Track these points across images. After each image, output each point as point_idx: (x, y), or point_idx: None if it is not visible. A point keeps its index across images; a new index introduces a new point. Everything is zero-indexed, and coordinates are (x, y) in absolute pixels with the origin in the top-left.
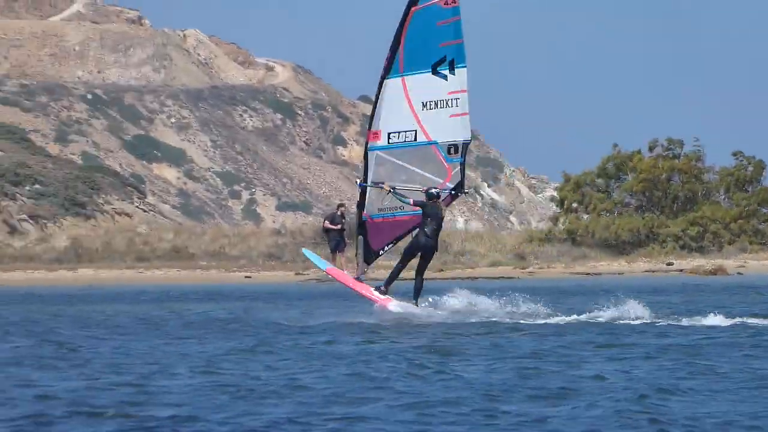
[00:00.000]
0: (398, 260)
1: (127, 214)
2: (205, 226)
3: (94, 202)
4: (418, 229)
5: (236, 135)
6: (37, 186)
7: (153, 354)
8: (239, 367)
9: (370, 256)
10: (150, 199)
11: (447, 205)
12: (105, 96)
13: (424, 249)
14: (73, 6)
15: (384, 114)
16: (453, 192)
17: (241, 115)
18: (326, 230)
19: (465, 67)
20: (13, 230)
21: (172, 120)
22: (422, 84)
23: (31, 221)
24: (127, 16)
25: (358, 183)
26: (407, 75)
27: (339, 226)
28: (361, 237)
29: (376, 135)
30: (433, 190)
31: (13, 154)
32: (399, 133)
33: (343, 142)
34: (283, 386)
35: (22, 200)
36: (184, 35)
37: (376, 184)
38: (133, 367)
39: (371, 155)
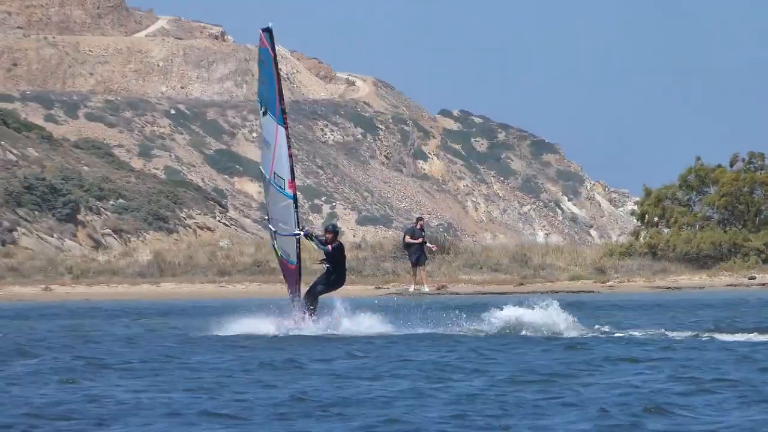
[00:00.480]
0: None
1: (209, 228)
2: None
3: (176, 217)
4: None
5: (317, 149)
6: (120, 200)
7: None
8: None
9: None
10: (232, 213)
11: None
12: (188, 111)
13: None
14: (158, 22)
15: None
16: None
17: (322, 130)
18: (407, 245)
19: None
20: (97, 245)
21: (254, 134)
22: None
23: (114, 235)
24: (210, 31)
25: (303, 232)
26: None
27: (419, 240)
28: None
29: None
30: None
31: (98, 169)
32: (278, 177)
33: (423, 156)
34: None
35: (106, 215)
36: None
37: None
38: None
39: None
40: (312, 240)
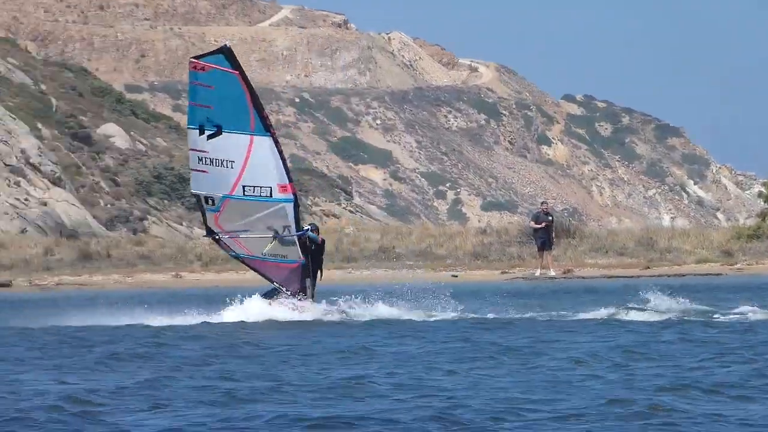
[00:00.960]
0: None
1: (334, 215)
2: (411, 226)
3: (302, 204)
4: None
5: (441, 136)
6: None
7: None
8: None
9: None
10: (357, 200)
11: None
12: (312, 99)
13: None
14: (281, 12)
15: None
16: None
17: (445, 116)
18: (535, 230)
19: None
20: None
21: (378, 122)
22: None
23: None
24: (333, 20)
25: (305, 229)
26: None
27: (543, 225)
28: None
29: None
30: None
31: None
32: (255, 187)
33: (547, 141)
34: None
35: None
36: (389, 38)
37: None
38: None
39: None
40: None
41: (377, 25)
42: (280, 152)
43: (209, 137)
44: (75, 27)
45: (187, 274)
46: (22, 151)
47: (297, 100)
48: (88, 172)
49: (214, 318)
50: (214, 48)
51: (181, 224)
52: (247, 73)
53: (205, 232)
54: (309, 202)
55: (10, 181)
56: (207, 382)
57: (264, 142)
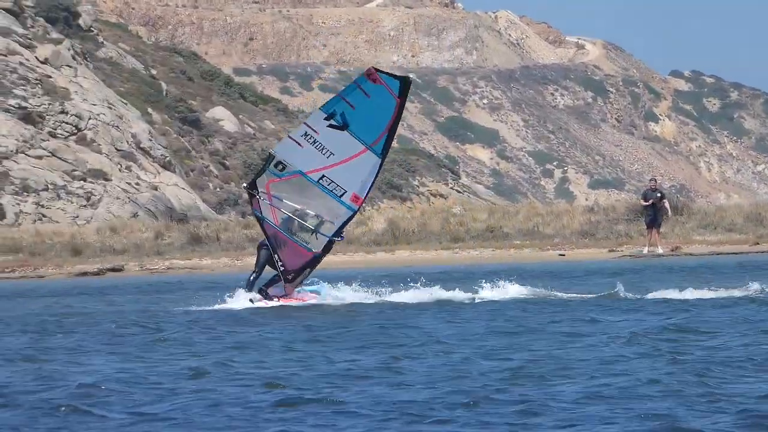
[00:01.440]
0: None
1: (441, 195)
2: (518, 205)
3: (410, 185)
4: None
5: (548, 114)
6: None
7: None
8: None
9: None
10: (464, 179)
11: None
12: (419, 79)
13: None
14: None
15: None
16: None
17: (552, 94)
18: (644, 207)
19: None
20: None
21: (485, 101)
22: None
23: None
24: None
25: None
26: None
27: (651, 202)
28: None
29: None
30: None
31: None
32: (333, 183)
33: (654, 118)
34: None
35: None
36: (496, 16)
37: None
38: None
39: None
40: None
41: (484, 4)
42: (377, 175)
43: (330, 126)
44: (185, 11)
45: None
46: (133, 136)
47: None
48: (197, 155)
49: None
50: (324, 29)
51: None
52: (354, 55)
53: (247, 184)
54: (416, 183)
55: (121, 165)
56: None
57: (371, 159)
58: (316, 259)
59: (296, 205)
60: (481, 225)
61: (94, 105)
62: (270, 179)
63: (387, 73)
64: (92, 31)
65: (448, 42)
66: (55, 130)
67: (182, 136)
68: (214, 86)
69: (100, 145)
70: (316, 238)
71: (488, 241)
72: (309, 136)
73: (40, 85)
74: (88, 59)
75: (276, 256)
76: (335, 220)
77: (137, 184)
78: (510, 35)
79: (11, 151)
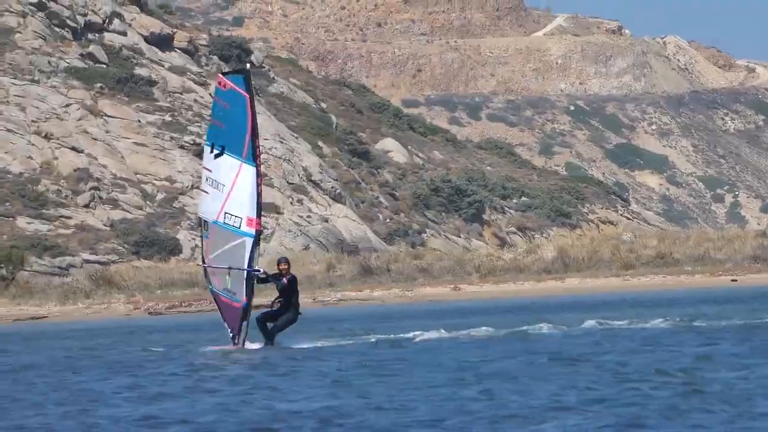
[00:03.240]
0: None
1: (611, 222)
2: (689, 230)
3: (579, 212)
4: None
5: (718, 138)
6: (524, 198)
7: None
8: None
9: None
10: (633, 206)
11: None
12: (587, 107)
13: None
14: (555, 20)
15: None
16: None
17: (722, 119)
18: None
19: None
20: (502, 243)
21: (653, 127)
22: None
23: (519, 233)
24: (607, 26)
25: (260, 273)
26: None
27: None
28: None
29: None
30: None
31: (501, 169)
32: (233, 216)
33: None
34: None
35: (510, 213)
36: (664, 42)
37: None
38: None
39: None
40: (267, 282)
41: (652, 30)
42: (259, 185)
43: (215, 156)
44: (354, 45)
45: (465, 286)
46: (304, 169)
47: (572, 107)
48: (367, 187)
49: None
50: (492, 59)
51: (459, 236)
52: (522, 84)
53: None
54: (585, 210)
55: (293, 198)
56: None
57: (248, 171)
58: (246, 310)
59: (219, 258)
60: (652, 251)
61: (266, 139)
62: (206, 245)
63: (231, 72)
64: (264, 67)
65: (616, 69)
66: None
67: (352, 168)
68: (383, 118)
69: (272, 179)
70: (237, 285)
71: (659, 268)
72: (209, 179)
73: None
74: (260, 95)
75: (225, 324)
76: (244, 256)
77: (308, 216)
78: (679, 60)
79: (186, 186)
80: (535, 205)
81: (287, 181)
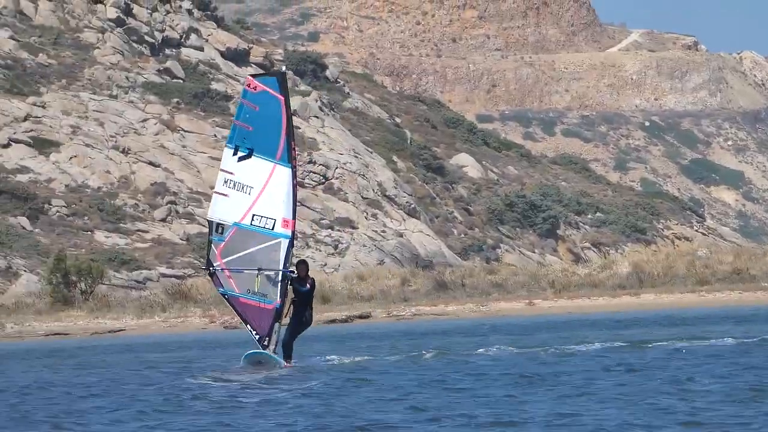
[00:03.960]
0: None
1: (686, 238)
2: (765, 246)
3: (653, 228)
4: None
5: None
6: (598, 214)
7: None
8: None
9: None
10: (709, 222)
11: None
12: (662, 122)
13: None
14: (630, 36)
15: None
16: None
17: None
18: None
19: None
20: (576, 258)
21: (729, 142)
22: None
23: (593, 249)
24: (683, 42)
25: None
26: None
27: None
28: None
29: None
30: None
31: (575, 184)
32: (262, 218)
33: None
34: None
35: (585, 228)
36: (740, 57)
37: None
38: None
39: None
40: (291, 285)
41: (728, 46)
42: (295, 186)
43: (240, 159)
44: (429, 60)
45: (540, 302)
46: (379, 184)
47: (647, 123)
48: (441, 202)
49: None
50: (566, 75)
51: (533, 251)
52: (596, 99)
53: (204, 266)
54: (660, 226)
55: (367, 213)
56: None
57: (283, 172)
58: (278, 311)
59: (243, 261)
60: (728, 267)
61: (341, 154)
62: (218, 248)
63: (262, 74)
64: (339, 82)
65: (691, 84)
66: (303, 179)
67: (426, 183)
68: (458, 133)
69: (347, 193)
70: (270, 286)
71: (735, 284)
72: (229, 181)
73: None
74: (335, 110)
75: (248, 327)
76: (278, 257)
77: (383, 231)
78: (755, 76)
79: None
80: (609, 220)
81: (362, 196)
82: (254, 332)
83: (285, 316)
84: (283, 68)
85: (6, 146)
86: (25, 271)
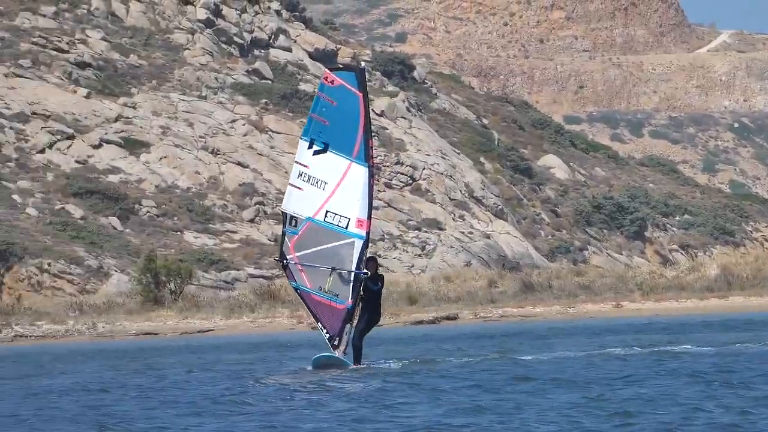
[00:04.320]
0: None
1: None
2: None
3: (742, 230)
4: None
5: None
6: (686, 216)
7: None
8: None
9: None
10: None
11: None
12: (751, 124)
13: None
14: (720, 37)
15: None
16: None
17: None
18: None
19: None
20: (664, 260)
21: None
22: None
23: (681, 251)
24: None
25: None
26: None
27: None
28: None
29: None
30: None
31: (663, 186)
32: (336, 215)
33: None
34: None
35: (673, 231)
36: None
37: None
38: None
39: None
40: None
41: None
42: (371, 186)
43: (315, 153)
44: (516, 61)
45: (627, 304)
46: (466, 185)
47: (736, 125)
48: (529, 204)
49: None
50: (654, 76)
51: (621, 253)
52: (684, 100)
53: (278, 257)
54: (749, 228)
55: (455, 215)
56: None
57: (359, 171)
58: (350, 312)
59: (316, 257)
60: None
61: (428, 155)
62: (291, 241)
63: (340, 68)
64: (426, 83)
65: None
66: (391, 180)
67: (514, 185)
68: (545, 134)
69: (434, 194)
70: (342, 285)
71: None
72: (303, 174)
73: (376, 137)
74: (422, 110)
75: (320, 325)
76: (351, 257)
77: (470, 233)
78: None
79: None
80: (698, 222)
81: (449, 197)
82: (325, 330)
83: (354, 318)
84: (362, 64)
85: (98, 147)
86: (116, 271)
